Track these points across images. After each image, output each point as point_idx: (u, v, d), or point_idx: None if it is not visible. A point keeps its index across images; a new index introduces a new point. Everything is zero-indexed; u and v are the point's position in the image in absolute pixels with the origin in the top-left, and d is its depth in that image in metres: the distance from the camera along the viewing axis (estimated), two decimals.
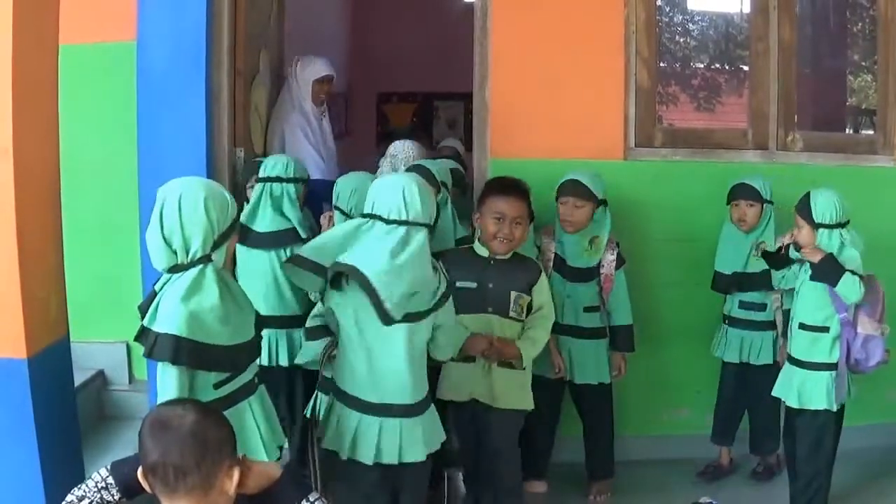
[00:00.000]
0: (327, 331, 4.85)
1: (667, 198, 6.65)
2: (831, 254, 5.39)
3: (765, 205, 6.19)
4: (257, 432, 4.03)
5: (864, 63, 11.41)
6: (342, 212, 5.63)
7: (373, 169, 6.59)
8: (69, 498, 3.02)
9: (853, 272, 5.32)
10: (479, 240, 5.43)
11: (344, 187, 5.71)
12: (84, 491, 3.02)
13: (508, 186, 5.42)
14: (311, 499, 3.10)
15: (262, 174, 6.04)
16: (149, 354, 3.73)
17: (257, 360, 4.19)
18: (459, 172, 6.56)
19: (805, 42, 9.27)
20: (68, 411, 4.55)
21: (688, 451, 6.66)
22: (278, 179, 5.95)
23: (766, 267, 5.96)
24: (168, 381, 3.70)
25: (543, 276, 5.44)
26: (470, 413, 5.32)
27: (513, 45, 6.58)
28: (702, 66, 14.11)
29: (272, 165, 6.04)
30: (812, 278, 5.56)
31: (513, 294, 5.32)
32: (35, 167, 4.41)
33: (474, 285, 5.28)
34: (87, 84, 6.60)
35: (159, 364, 3.72)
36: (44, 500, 4.27)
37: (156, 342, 3.68)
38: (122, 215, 6.51)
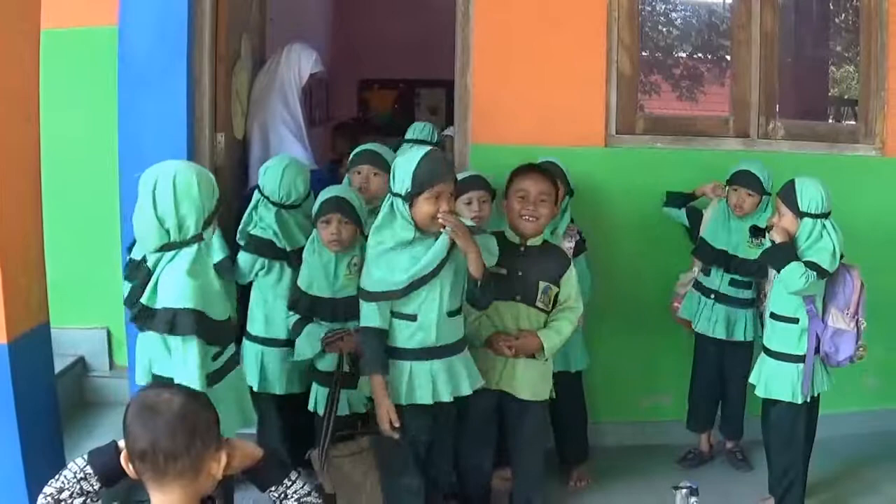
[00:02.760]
0: (310, 321, 5.32)
1: (648, 185, 6.64)
2: (792, 242, 5.40)
3: (764, 196, 6.16)
4: (233, 404, 4.25)
5: (846, 54, 11.45)
6: (258, 190, 5.69)
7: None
8: (48, 490, 2.97)
9: (812, 264, 5.30)
10: (508, 226, 5.40)
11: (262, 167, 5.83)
12: (63, 482, 2.97)
13: (532, 166, 5.43)
14: (293, 478, 3.11)
15: (413, 137, 7.09)
16: (170, 331, 3.94)
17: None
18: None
19: (788, 32, 9.28)
20: (49, 397, 4.54)
21: (668, 437, 6.70)
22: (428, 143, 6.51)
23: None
24: (191, 355, 3.96)
25: (572, 267, 5.41)
26: (495, 402, 5.33)
27: (494, 31, 6.58)
28: (684, 55, 14.12)
29: (420, 129, 7.01)
30: (761, 256, 5.62)
31: (542, 284, 5.28)
32: (15, 152, 4.40)
33: (504, 271, 5.22)
34: (68, 68, 6.56)
35: (174, 339, 3.96)
36: (25, 484, 4.27)
37: (175, 318, 3.91)
38: (102, 201, 6.47)
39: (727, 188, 6.23)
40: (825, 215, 5.39)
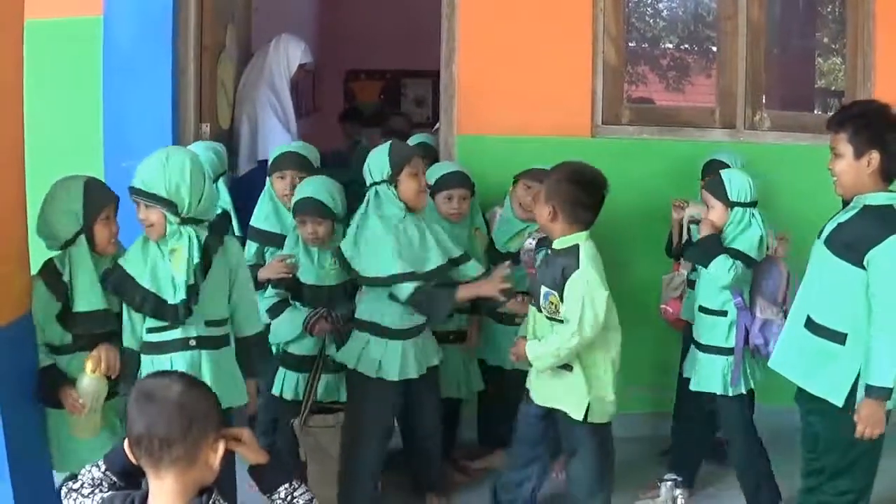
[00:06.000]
0: (287, 304, 5.51)
1: (633, 176, 6.61)
2: (717, 235, 5.43)
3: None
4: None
5: (833, 45, 11.47)
6: None
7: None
8: (63, 490, 3.05)
9: (738, 253, 5.34)
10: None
11: None
12: (80, 476, 3.06)
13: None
14: (295, 484, 3.14)
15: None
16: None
17: None
18: (431, 149, 6.56)
19: (774, 23, 9.30)
20: (31, 386, 4.52)
21: (652, 429, 6.70)
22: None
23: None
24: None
25: (576, 276, 4.95)
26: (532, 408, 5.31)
27: (480, 21, 6.58)
28: (671, 45, 14.15)
29: None
30: (687, 254, 5.72)
31: (543, 289, 5.03)
32: None
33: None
34: (52, 59, 6.53)
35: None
36: (8, 472, 4.25)
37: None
38: None
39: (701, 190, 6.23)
40: (753, 204, 5.47)
